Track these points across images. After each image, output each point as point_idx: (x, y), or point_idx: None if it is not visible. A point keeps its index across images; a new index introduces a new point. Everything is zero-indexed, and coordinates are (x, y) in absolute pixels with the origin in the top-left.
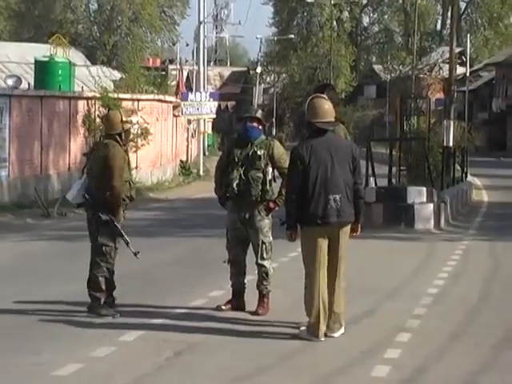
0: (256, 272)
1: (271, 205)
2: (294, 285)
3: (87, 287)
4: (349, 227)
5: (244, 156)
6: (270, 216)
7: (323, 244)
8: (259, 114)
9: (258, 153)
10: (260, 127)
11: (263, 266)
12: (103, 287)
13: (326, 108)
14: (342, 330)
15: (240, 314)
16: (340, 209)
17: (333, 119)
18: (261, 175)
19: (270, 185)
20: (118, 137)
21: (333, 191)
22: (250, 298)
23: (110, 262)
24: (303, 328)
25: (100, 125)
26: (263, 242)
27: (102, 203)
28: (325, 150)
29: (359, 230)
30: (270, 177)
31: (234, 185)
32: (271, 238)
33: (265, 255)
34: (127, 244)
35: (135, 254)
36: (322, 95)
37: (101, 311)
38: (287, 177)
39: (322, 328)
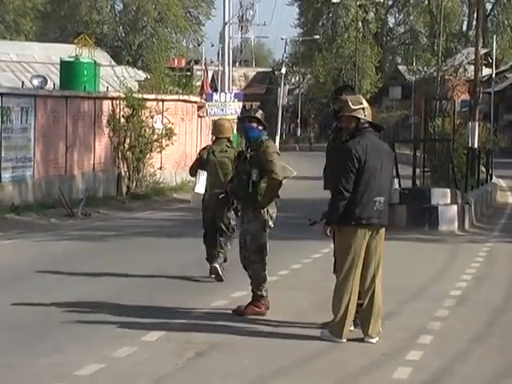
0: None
1: (256, 206)
2: (316, 286)
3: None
4: (384, 230)
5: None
6: (262, 218)
7: (362, 245)
8: (259, 114)
9: (247, 154)
10: (260, 127)
11: (253, 268)
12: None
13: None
14: (378, 337)
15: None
16: (382, 211)
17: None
18: (245, 177)
19: (254, 187)
20: (227, 140)
21: (378, 193)
22: (273, 301)
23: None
24: (325, 329)
25: (124, 125)
26: (252, 244)
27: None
28: (376, 152)
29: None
30: (254, 178)
31: (230, 186)
32: (263, 240)
33: (252, 257)
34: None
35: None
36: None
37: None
38: (341, 173)
39: (346, 329)
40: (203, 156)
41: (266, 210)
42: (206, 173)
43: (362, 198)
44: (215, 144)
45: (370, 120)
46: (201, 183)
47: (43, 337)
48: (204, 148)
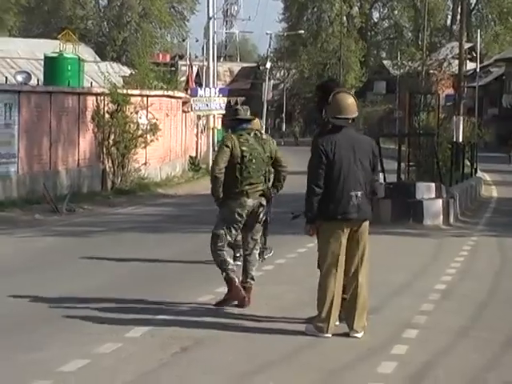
0: None
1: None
2: (301, 281)
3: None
4: (367, 224)
5: None
6: (222, 211)
7: (343, 240)
8: (247, 112)
9: None
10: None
11: None
12: None
13: (350, 102)
14: (363, 332)
15: (246, 311)
16: (360, 205)
17: (357, 114)
18: None
19: None
20: None
21: (354, 188)
22: (258, 296)
23: None
24: (310, 324)
25: (109, 120)
26: None
27: None
28: (348, 146)
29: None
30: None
31: None
32: (216, 230)
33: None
34: None
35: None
36: (346, 89)
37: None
38: (311, 170)
39: (331, 324)
40: None
41: (227, 204)
42: None
43: (335, 194)
44: None
45: (356, 114)
46: None
47: (26, 332)
48: None
